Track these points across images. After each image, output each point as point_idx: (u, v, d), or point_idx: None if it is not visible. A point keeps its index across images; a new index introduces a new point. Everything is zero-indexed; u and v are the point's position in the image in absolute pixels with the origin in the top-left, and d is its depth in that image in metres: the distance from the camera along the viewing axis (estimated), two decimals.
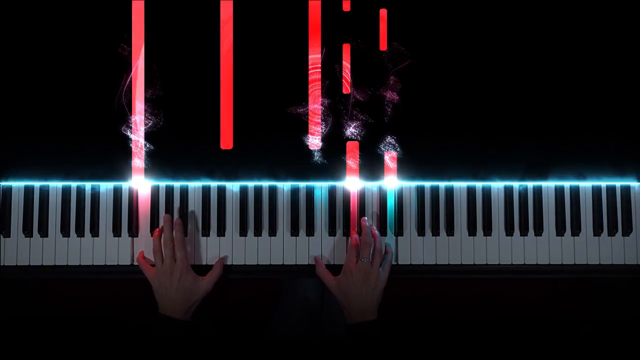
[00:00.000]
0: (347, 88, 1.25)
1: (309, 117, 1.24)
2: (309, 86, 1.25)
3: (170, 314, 1.16)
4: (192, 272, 1.20)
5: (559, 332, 1.63)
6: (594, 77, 1.25)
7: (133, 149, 1.24)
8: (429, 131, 1.25)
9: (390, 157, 1.25)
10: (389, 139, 1.24)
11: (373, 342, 1.14)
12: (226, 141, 1.24)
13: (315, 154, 1.24)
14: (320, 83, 1.24)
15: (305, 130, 1.24)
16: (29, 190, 1.25)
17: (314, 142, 1.24)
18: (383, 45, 1.25)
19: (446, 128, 1.25)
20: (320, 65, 1.24)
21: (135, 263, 1.24)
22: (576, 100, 1.25)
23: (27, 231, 1.24)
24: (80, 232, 1.25)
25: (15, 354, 1.60)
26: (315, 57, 1.24)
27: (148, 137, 1.24)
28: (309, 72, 1.25)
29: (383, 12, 1.25)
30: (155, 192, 1.26)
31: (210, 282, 1.21)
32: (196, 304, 1.20)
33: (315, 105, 1.24)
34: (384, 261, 1.21)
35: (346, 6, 1.25)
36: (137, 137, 1.24)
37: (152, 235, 1.24)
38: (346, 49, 1.25)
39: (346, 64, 1.25)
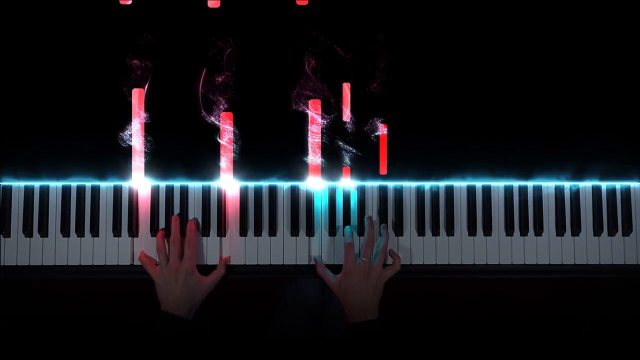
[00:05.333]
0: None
1: (309, 117, 1.24)
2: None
3: (174, 312, 1.16)
4: (197, 272, 1.20)
5: (559, 332, 1.63)
6: (594, 77, 1.25)
7: (133, 149, 1.23)
8: (427, 130, 1.25)
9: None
10: (387, 137, 1.24)
11: (374, 341, 1.14)
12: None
13: (315, 153, 1.24)
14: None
15: (304, 130, 1.24)
16: (29, 190, 1.25)
17: (314, 141, 1.24)
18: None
19: (446, 128, 1.25)
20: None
21: (137, 262, 1.24)
22: (576, 100, 1.25)
23: (27, 231, 1.24)
24: (80, 232, 1.25)
25: (15, 354, 1.60)
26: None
27: (148, 136, 1.24)
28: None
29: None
30: (155, 192, 1.26)
31: (214, 281, 1.21)
32: (199, 303, 1.20)
33: (315, 104, 1.24)
34: (388, 267, 1.21)
35: None
36: (138, 136, 1.24)
37: (152, 235, 1.24)
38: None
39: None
